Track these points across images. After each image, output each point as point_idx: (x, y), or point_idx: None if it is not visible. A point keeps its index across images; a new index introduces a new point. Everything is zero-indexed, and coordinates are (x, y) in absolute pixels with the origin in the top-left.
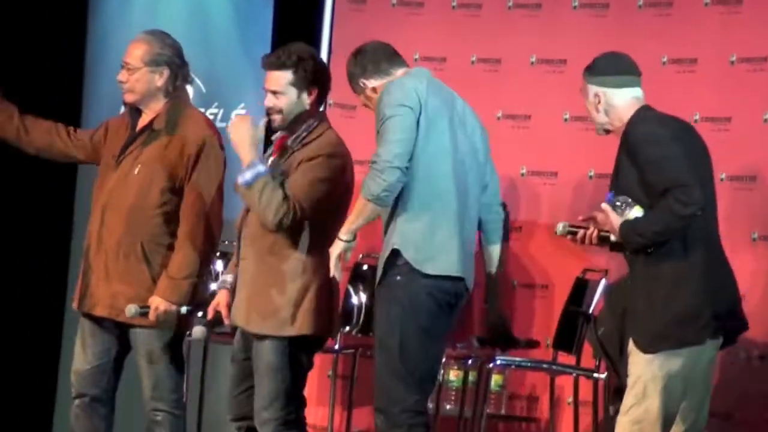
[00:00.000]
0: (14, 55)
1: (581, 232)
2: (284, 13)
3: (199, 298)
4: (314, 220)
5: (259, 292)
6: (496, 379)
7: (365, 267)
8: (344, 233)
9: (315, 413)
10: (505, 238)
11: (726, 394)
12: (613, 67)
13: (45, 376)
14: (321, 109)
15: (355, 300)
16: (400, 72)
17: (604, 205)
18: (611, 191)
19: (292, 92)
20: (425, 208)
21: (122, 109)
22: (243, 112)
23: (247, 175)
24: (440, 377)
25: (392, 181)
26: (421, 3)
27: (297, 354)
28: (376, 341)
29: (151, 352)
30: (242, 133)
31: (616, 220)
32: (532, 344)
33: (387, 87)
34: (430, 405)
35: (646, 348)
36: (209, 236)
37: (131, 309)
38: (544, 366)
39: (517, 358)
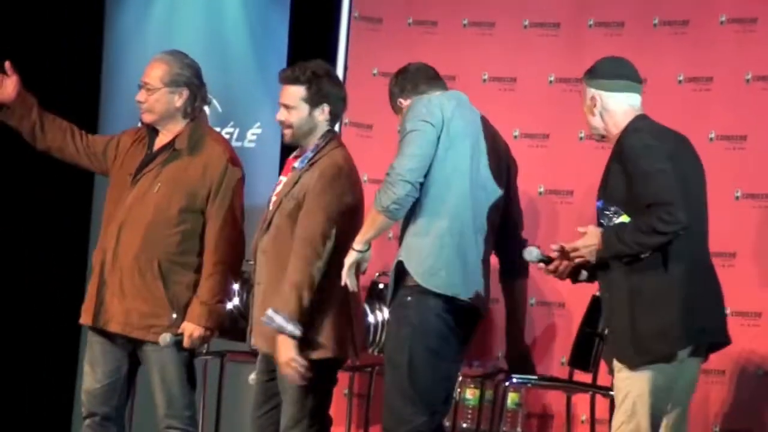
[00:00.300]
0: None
1: (555, 263)
2: (299, 32)
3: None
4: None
5: None
6: (512, 398)
7: (381, 286)
8: (358, 243)
9: None
10: (525, 274)
11: (741, 410)
12: (612, 71)
13: (61, 393)
14: (333, 127)
15: (371, 318)
16: (437, 94)
17: (586, 229)
18: (600, 199)
19: (304, 108)
20: (434, 225)
21: (138, 123)
22: (259, 131)
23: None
24: (456, 395)
25: (402, 195)
26: (435, 22)
27: (321, 375)
28: (386, 360)
29: (164, 369)
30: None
31: (595, 238)
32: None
33: (414, 102)
34: (447, 423)
35: (629, 364)
36: (239, 261)
37: (166, 338)
38: (560, 384)
39: (533, 377)
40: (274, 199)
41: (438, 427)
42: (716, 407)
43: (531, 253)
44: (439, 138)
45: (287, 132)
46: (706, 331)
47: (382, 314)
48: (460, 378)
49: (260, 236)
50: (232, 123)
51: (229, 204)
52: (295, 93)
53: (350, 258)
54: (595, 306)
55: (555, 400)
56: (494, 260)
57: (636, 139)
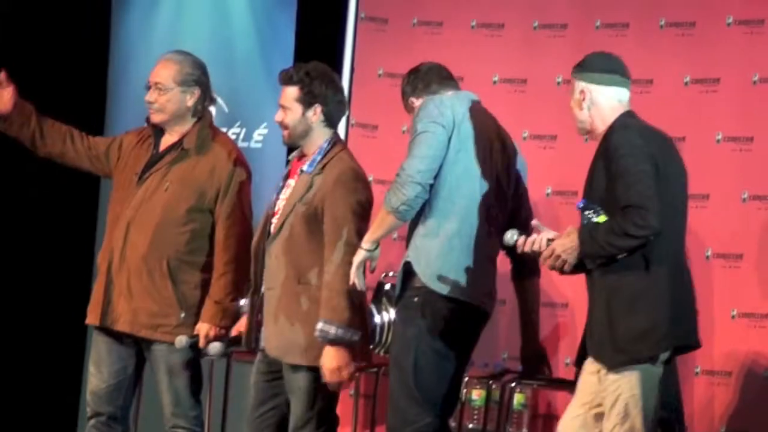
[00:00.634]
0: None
1: (529, 238)
2: (306, 32)
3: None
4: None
5: (291, 325)
6: (518, 398)
7: (388, 286)
8: (366, 242)
9: None
10: (537, 273)
11: (747, 412)
12: (602, 65)
13: (67, 394)
14: (332, 129)
15: (377, 319)
16: (449, 94)
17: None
18: (583, 198)
19: (298, 108)
20: (444, 226)
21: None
22: (265, 132)
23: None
24: (462, 396)
25: (411, 196)
26: (441, 23)
27: None
28: (392, 360)
29: (171, 368)
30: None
31: (572, 241)
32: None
33: (425, 102)
34: (453, 424)
35: (608, 364)
36: (249, 260)
37: (182, 340)
38: (566, 385)
39: (547, 377)
40: (282, 203)
41: (444, 427)
42: (722, 409)
43: (507, 234)
44: (449, 140)
45: (285, 133)
46: (690, 333)
47: (389, 315)
48: (466, 378)
49: (263, 240)
50: (238, 123)
51: (238, 203)
52: (290, 93)
53: (359, 257)
54: None
55: (561, 400)
56: (505, 261)
57: (622, 137)
